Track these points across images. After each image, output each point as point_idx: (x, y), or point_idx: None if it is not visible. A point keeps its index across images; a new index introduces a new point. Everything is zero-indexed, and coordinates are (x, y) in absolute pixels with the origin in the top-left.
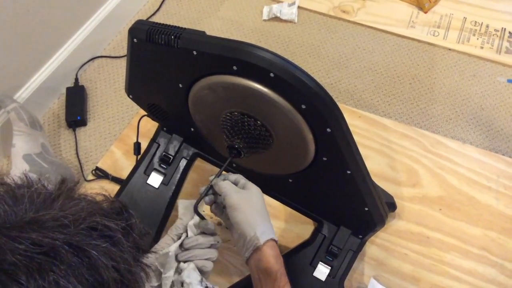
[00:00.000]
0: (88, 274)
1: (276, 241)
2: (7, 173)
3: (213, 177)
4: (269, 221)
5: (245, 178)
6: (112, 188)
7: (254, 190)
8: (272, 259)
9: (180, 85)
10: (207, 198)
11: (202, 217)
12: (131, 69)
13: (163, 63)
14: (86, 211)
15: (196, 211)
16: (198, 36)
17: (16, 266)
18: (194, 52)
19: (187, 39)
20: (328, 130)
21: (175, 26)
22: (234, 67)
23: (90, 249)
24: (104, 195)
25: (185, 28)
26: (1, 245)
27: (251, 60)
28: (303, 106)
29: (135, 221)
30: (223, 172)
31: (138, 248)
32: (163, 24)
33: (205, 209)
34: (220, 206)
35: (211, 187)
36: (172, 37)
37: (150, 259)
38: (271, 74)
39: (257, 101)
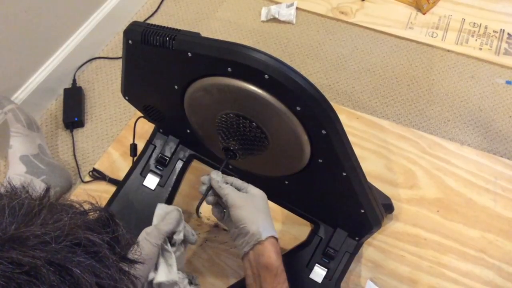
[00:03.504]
0: None
1: (277, 239)
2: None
3: (205, 177)
4: (271, 221)
5: (244, 182)
6: (109, 190)
7: (256, 192)
8: (274, 255)
9: (176, 87)
10: (210, 198)
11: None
12: (126, 71)
13: (158, 64)
14: (69, 226)
15: (197, 212)
16: (193, 37)
17: None
18: (189, 54)
19: (181, 41)
20: (323, 132)
21: (170, 28)
22: (229, 69)
23: (72, 267)
24: (91, 204)
25: (179, 30)
26: None
27: (246, 62)
28: (298, 108)
29: (121, 232)
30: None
31: (124, 260)
32: (158, 25)
33: (202, 211)
34: (220, 208)
35: (211, 188)
36: (167, 38)
37: (138, 270)
38: (266, 76)
39: (252, 103)
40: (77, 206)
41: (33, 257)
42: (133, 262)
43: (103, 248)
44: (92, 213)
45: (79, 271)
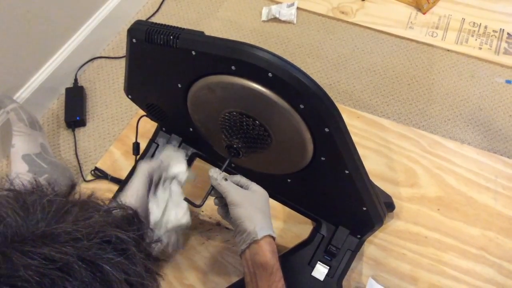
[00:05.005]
0: None
1: (274, 238)
2: (14, 176)
3: (211, 172)
4: (269, 219)
5: (248, 179)
6: (111, 188)
7: (257, 189)
8: (269, 254)
9: (179, 85)
10: (216, 201)
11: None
12: (130, 69)
13: (162, 63)
14: (99, 224)
15: (186, 199)
16: (197, 36)
17: (29, 283)
18: (193, 52)
19: (185, 39)
20: (326, 129)
21: (174, 26)
22: (233, 67)
23: (103, 264)
24: (116, 201)
25: (183, 28)
26: (14, 260)
27: (250, 60)
28: (301, 106)
29: (146, 230)
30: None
31: (149, 257)
32: (162, 24)
33: (204, 210)
34: (225, 208)
35: (213, 188)
36: (171, 37)
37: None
38: (270, 74)
39: (256, 101)
40: (101, 203)
41: (65, 254)
42: (156, 259)
43: (131, 245)
44: (117, 210)
45: (109, 268)
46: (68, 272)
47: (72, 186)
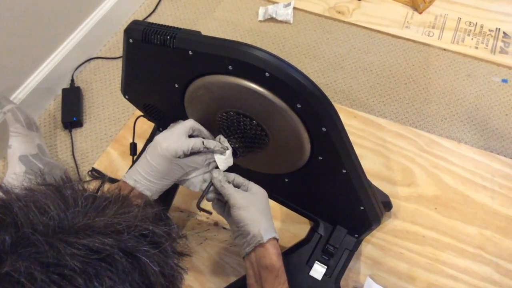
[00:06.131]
0: (139, 280)
1: (277, 240)
2: (46, 172)
3: (207, 174)
4: (272, 221)
5: (245, 179)
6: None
7: (258, 191)
8: (275, 257)
9: (176, 85)
10: (210, 196)
11: (207, 211)
12: (127, 70)
13: (158, 63)
14: (138, 219)
15: (198, 207)
16: (194, 36)
17: (75, 272)
18: (190, 52)
19: (182, 39)
20: (324, 129)
21: (171, 26)
22: (230, 67)
23: (141, 255)
24: (145, 200)
25: (180, 28)
26: (61, 250)
27: (247, 60)
28: (299, 106)
29: (173, 226)
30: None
31: (176, 252)
32: (158, 24)
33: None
34: (221, 203)
35: (211, 185)
36: (168, 37)
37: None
38: (267, 74)
39: (253, 101)
40: (137, 204)
41: (107, 245)
42: (182, 254)
43: (163, 239)
44: (149, 208)
45: (146, 259)
46: (110, 262)
47: (102, 183)
